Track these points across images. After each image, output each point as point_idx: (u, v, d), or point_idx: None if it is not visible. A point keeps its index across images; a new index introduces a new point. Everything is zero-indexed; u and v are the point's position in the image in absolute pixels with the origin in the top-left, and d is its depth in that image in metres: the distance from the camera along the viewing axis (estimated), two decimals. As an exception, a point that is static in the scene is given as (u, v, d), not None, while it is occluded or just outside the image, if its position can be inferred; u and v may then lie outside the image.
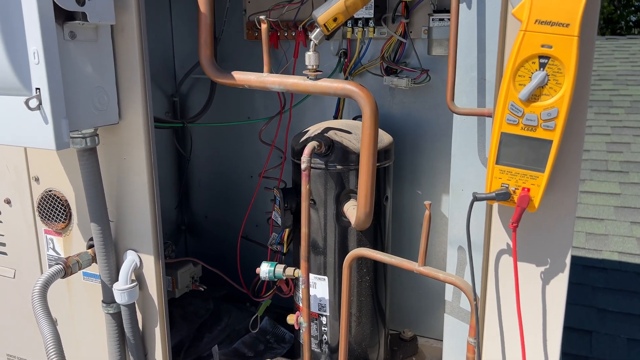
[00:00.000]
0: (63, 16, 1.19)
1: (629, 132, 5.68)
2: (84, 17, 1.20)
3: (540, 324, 1.14)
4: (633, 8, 14.45)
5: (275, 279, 1.58)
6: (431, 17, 1.62)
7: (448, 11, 1.59)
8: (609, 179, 5.02)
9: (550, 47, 0.93)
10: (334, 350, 1.62)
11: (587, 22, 0.93)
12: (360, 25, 1.71)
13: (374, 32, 1.72)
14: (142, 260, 1.48)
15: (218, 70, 1.41)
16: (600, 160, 5.30)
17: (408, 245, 1.87)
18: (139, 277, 1.50)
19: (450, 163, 1.72)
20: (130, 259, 1.47)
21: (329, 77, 1.83)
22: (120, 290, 1.44)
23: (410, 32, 1.71)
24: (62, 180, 1.53)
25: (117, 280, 1.47)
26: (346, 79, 1.82)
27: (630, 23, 14.63)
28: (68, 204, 1.54)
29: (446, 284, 1.33)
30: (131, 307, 1.48)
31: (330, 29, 1.22)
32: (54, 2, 1.14)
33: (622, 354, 3.41)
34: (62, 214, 1.54)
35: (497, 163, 1.03)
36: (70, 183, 1.52)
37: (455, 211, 1.29)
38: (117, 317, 1.50)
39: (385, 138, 1.59)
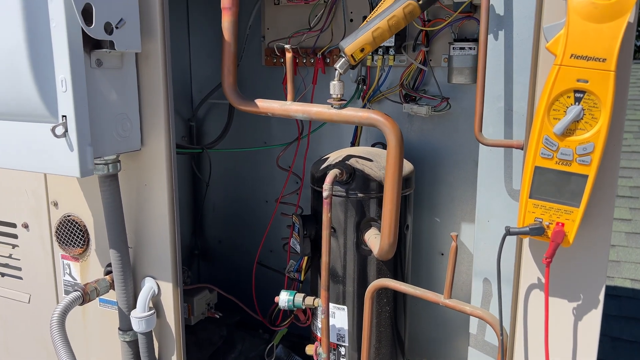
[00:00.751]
0: (91, 44, 1.20)
1: (638, 157, 5.66)
2: (111, 45, 1.21)
3: (572, 362, 1.12)
4: (638, 32, 14.59)
5: (294, 308, 1.55)
6: (452, 46, 1.62)
7: (469, 40, 1.60)
8: (619, 205, 4.98)
9: (586, 81, 0.92)
10: (352, 382, 1.59)
11: (622, 56, 0.93)
12: (381, 53, 1.71)
13: (394, 60, 1.72)
14: (160, 288, 1.46)
15: (241, 98, 1.41)
16: (610, 185, 5.27)
17: (426, 273, 1.84)
18: (156, 304, 1.47)
19: (469, 192, 1.72)
20: (148, 286, 1.45)
21: (347, 103, 1.84)
22: (138, 318, 1.42)
23: (430, 60, 1.71)
24: (81, 205, 1.52)
25: (134, 307, 1.45)
26: (364, 105, 1.82)
27: (635, 47, 14.75)
28: (86, 229, 1.53)
29: (470, 318, 1.30)
30: (148, 335, 1.45)
31: (357, 59, 1.22)
32: (83, 31, 1.14)
33: (637, 384, 3.34)
34: (80, 239, 1.53)
35: (530, 197, 1.01)
36: (89, 208, 1.51)
37: (481, 242, 1.27)
38: (133, 345, 1.48)
39: (406, 166, 1.58)
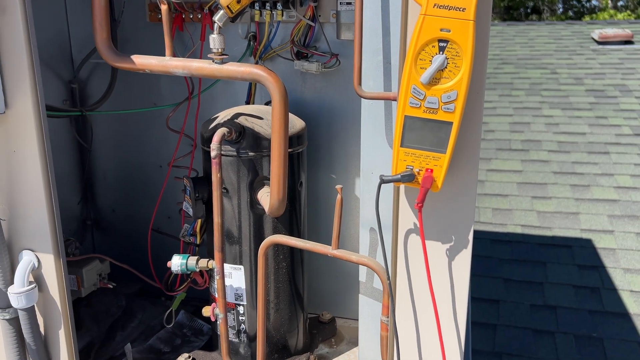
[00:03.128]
0: None
1: (529, 113, 6.11)
2: (-45, -6, 1.08)
3: (449, 297, 1.20)
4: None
5: (189, 272, 1.53)
6: (339, 1, 1.61)
7: (355, -5, 1.60)
8: (512, 157, 5.37)
9: (449, 31, 0.95)
10: (252, 339, 1.61)
11: (481, 6, 0.97)
12: (268, 8, 1.67)
13: (282, 15, 1.69)
14: (41, 260, 1.38)
15: (116, 55, 1.33)
16: (504, 139, 5.66)
17: (324, 230, 1.87)
18: (37, 278, 1.39)
19: (361, 147, 1.76)
20: (26, 259, 1.37)
21: (239, 61, 1.79)
22: (17, 293, 1.33)
23: (319, 15, 1.69)
24: (-59, 177, 1.38)
25: (12, 283, 1.36)
26: (256, 63, 1.78)
27: (528, 10, 15.66)
28: (-50, 204, 1.39)
29: (360, 266, 1.35)
30: (30, 311, 1.37)
31: (234, 11, 1.19)
32: None
33: (525, 320, 3.70)
34: (-56, 214, 1.39)
35: (401, 146, 1.05)
36: (-48, 180, 1.38)
37: (366, 194, 1.31)
38: (14, 322, 1.39)
39: (297, 123, 1.58)
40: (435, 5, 0.95)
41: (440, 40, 0.97)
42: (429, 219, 1.15)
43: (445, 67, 0.98)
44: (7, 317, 1.38)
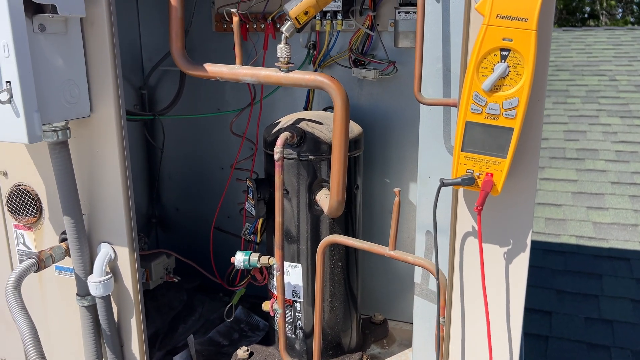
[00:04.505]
0: (32, 9, 1.19)
1: (585, 121, 5.92)
2: (53, 9, 1.20)
3: (503, 302, 1.21)
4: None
5: (250, 268, 1.61)
6: (397, 10, 1.66)
7: (413, 4, 1.64)
8: (567, 166, 5.23)
9: (511, 40, 0.99)
10: (308, 336, 1.67)
11: (544, 16, 1.00)
12: (329, 18, 1.74)
13: (342, 25, 1.75)
14: (117, 253, 1.49)
15: (190, 63, 1.43)
16: (558, 148, 5.51)
17: (378, 232, 1.92)
18: (113, 269, 1.50)
19: (417, 152, 1.80)
20: (104, 251, 1.48)
21: (298, 68, 1.86)
22: (95, 282, 1.44)
23: (377, 24, 1.75)
24: (31, 174, 1.51)
25: (91, 273, 1.47)
26: (315, 70, 1.85)
27: (585, 15, 15.16)
28: (38, 198, 1.53)
29: (415, 268, 1.39)
30: (106, 299, 1.48)
31: (301, 22, 1.26)
32: (23, -5, 1.13)
33: (580, 333, 3.59)
34: (33, 208, 1.53)
35: (462, 150, 1.09)
36: (41, 177, 1.51)
37: (423, 197, 1.35)
38: (92, 309, 1.51)
39: (355, 128, 1.64)
40: (498, 15, 0.99)
41: (502, 49, 1.00)
42: (488, 222, 1.18)
43: (507, 75, 1.01)
44: (86, 304, 1.50)
